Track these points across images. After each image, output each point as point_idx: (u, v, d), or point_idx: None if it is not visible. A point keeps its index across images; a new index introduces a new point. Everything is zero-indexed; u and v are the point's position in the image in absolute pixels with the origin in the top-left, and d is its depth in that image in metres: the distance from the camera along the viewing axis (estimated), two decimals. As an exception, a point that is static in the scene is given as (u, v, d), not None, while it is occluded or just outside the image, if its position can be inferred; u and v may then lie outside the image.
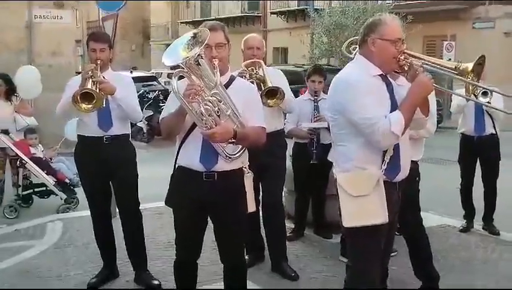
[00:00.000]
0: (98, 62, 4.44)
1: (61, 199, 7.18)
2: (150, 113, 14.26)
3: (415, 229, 4.41)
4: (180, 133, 3.43)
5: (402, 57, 3.11)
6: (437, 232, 6.01)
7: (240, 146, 3.41)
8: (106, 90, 4.37)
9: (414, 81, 3.06)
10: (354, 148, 3.12)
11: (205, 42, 3.06)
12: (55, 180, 7.24)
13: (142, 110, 14.43)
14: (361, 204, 3.07)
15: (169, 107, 3.41)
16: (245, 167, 3.65)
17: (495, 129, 6.07)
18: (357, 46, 3.38)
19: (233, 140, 3.24)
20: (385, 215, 3.06)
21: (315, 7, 23.55)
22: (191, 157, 3.39)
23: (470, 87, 3.20)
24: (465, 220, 6.29)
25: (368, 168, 3.10)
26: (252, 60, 4.79)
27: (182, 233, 3.57)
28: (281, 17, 29.10)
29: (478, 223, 6.32)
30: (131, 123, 4.87)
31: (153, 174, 8.23)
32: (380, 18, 3.16)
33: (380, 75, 3.15)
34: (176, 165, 3.51)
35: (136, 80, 16.91)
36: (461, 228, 6.24)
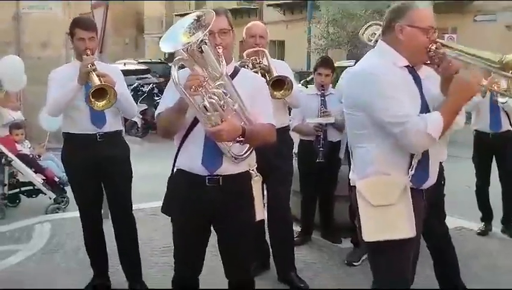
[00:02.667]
0: (88, 52, 4.00)
1: (50, 198, 6.75)
2: (145, 107, 13.91)
3: (441, 239, 4.04)
4: (180, 130, 3.01)
5: (434, 47, 2.71)
6: (453, 236, 5.52)
7: (248, 146, 3.01)
8: (110, 83, 3.94)
9: (457, 81, 2.63)
10: (377, 150, 2.70)
11: (210, 26, 2.64)
12: (43, 178, 6.80)
13: (136, 103, 14.30)
14: (384, 215, 2.66)
15: (167, 100, 2.99)
16: (252, 170, 3.24)
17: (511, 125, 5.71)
18: (378, 32, 2.95)
19: (241, 139, 2.84)
20: (412, 228, 2.66)
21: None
22: (192, 158, 2.98)
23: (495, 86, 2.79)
24: (482, 223, 5.92)
25: (393, 174, 2.69)
26: (254, 49, 4.37)
27: (181, 246, 3.14)
28: (277, 10, 28.68)
29: (496, 226, 5.94)
30: (125, 118, 4.44)
31: (148, 171, 7.87)
32: (411, 2, 2.74)
33: (406, 66, 2.74)
34: (175, 168, 3.09)
35: (130, 72, 16.78)
36: (479, 231, 5.87)
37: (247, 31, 4.50)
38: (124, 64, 18.05)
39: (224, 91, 2.78)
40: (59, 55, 12.11)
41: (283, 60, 27.22)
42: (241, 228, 3.09)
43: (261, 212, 3.33)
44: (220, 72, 2.74)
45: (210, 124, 2.74)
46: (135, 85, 15.20)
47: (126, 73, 18.40)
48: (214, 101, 2.72)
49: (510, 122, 5.70)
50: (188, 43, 2.64)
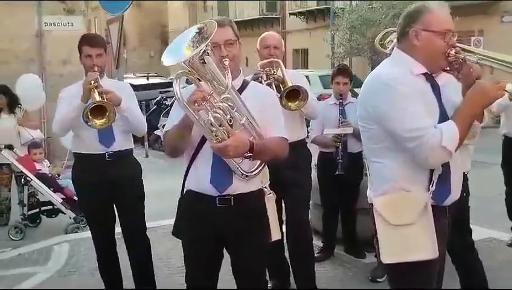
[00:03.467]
0: (95, 69, 3.91)
1: (70, 217, 6.69)
2: (168, 120, 13.84)
3: (467, 255, 3.82)
4: (187, 149, 2.88)
5: (453, 52, 2.51)
6: (482, 248, 5.33)
7: (258, 162, 2.86)
8: (113, 100, 3.83)
9: (473, 86, 2.45)
10: (394, 165, 2.51)
11: (212, 35, 2.51)
12: (63, 197, 6.76)
13: (159, 117, 14.31)
14: (404, 235, 2.47)
15: (174, 117, 2.87)
16: (265, 187, 3.10)
17: None
18: (395, 40, 2.78)
19: (250, 154, 2.68)
20: (435, 248, 2.46)
21: (336, 6, 22.82)
22: (200, 178, 2.85)
23: None
24: (512, 233, 5.66)
25: (412, 190, 2.50)
26: (268, 60, 4.23)
27: (193, 270, 3.01)
28: (300, 18, 28.51)
29: (528, 236, 5.67)
30: (148, 131, 4.32)
31: (170, 187, 7.72)
32: (424, 4, 2.55)
33: (424, 74, 2.55)
34: (185, 189, 2.96)
35: (153, 86, 16.85)
36: (510, 242, 5.61)
37: (261, 41, 4.37)
38: (147, 78, 18.13)
39: (231, 105, 2.65)
40: (80, 71, 12.14)
41: (307, 68, 27.16)
42: (255, 250, 2.94)
43: (277, 232, 3.18)
44: (225, 85, 2.61)
45: (216, 140, 2.60)
46: (158, 98, 15.23)
47: (149, 87, 18.52)
48: (219, 115, 2.59)
49: None
50: (191, 55, 2.51)
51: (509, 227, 5.75)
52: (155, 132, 14.17)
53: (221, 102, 2.61)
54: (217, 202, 2.84)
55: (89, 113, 3.68)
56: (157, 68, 31.10)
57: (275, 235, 3.13)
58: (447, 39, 2.51)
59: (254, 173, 2.86)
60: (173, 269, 5.09)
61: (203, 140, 2.82)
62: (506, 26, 19.24)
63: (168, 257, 5.35)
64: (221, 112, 2.60)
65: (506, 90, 2.52)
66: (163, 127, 13.64)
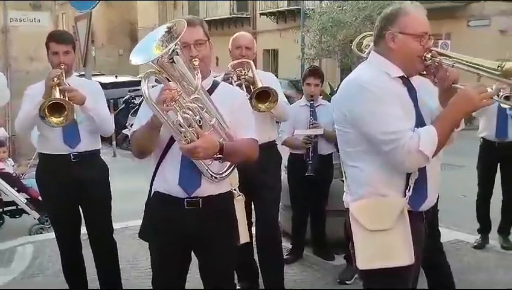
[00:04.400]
0: (62, 67, 3.81)
1: (34, 218, 6.52)
2: (136, 119, 13.65)
3: (435, 256, 3.83)
4: (155, 150, 2.81)
5: (429, 56, 2.49)
6: (449, 250, 5.38)
7: (228, 163, 2.82)
8: (76, 99, 3.73)
9: (458, 93, 2.42)
10: (371, 169, 2.48)
11: (181, 35, 2.46)
12: (27, 197, 6.58)
13: (128, 116, 14.12)
14: (380, 241, 2.44)
15: (141, 118, 2.81)
16: (235, 189, 3.06)
17: None
18: (372, 43, 2.75)
19: (219, 156, 2.64)
20: (411, 255, 2.44)
21: (307, 7, 22.90)
22: (168, 180, 2.79)
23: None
24: (479, 235, 5.74)
25: (389, 195, 2.48)
26: (240, 60, 4.18)
27: (160, 274, 2.94)
28: (270, 18, 28.55)
29: (493, 239, 5.75)
30: (116, 130, 4.23)
31: (138, 187, 7.56)
32: (401, 7, 2.52)
33: (400, 77, 2.53)
34: (152, 191, 2.90)
35: (122, 84, 16.63)
36: (475, 244, 5.68)
37: (233, 42, 4.32)
38: (116, 76, 17.90)
39: (200, 105, 2.60)
40: (47, 68, 11.90)
41: (277, 69, 27.22)
42: (223, 253, 2.89)
43: (245, 235, 3.14)
44: (195, 85, 2.56)
45: (185, 140, 2.56)
46: (127, 97, 15.03)
47: (118, 85, 18.24)
48: (188, 116, 2.54)
49: None
50: (160, 55, 2.46)
51: (475, 229, 5.82)
52: (123, 131, 13.96)
53: (191, 102, 2.56)
54: (185, 204, 2.78)
55: (46, 110, 3.57)
56: (126, 66, 30.82)
57: (244, 238, 3.09)
58: (423, 42, 2.49)
59: (223, 175, 2.81)
60: (141, 271, 5.00)
61: (171, 141, 2.76)
62: (473, 30, 19.64)
63: (136, 259, 5.26)
64: (191, 112, 2.55)
65: (493, 99, 2.51)
66: (131, 126, 13.44)
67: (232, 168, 2.87)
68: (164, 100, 2.51)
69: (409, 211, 2.47)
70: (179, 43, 2.47)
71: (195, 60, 2.67)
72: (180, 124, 2.53)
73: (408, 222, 2.44)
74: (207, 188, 2.78)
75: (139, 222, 6.19)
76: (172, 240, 2.83)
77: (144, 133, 2.73)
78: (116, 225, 5.17)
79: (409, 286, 2.58)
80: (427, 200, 2.57)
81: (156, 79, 2.67)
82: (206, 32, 2.86)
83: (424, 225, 2.63)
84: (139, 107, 12.28)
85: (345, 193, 2.66)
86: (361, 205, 2.51)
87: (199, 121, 2.58)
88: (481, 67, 2.45)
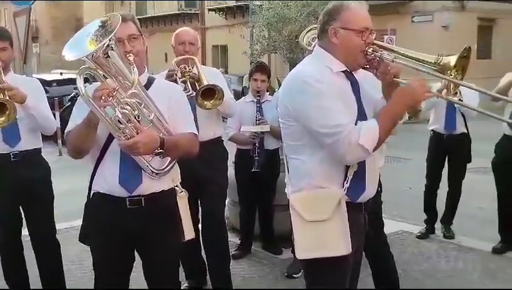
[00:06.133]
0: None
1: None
2: (82, 117, 13.35)
3: (379, 248, 3.91)
4: (93, 150, 2.76)
5: (370, 50, 2.54)
6: (394, 240, 5.53)
7: (168, 159, 2.79)
8: (17, 98, 3.61)
9: (401, 87, 2.48)
10: (312, 162, 2.52)
11: (116, 29, 2.42)
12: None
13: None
14: (318, 231, 2.49)
15: (76, 117, 2.74)
16: (177, 186, 3.03)
17: (467, 128, 5.70)
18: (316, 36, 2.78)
19: (160, 150, 2.62)
20: (348, 245, 2.49)
21: (255, 3, 22.93)
22: (108, 179, 2.74)
23: (451, 86, 2.65)
24: (425, 225, 5.89)
25: (328, 187, 2.52)
26: (183, 57, 4.13)
27: (103, 275, 2.89)
28: (219, 14, 28.47)
29: (436, 228, 5.91)
30: (62, 129, 4.12)
31: (85, 186, 7.43)
32: (343, 2, 2.56)
33: (343, 71, 2.57)
34: (92, 192, 2.84)
35: (67, 82, 16.24)
36: (419, 233, 5.83)
37: (175, 38, 4.26)
38: (61, 73, 17.47)
39: (138, 101, 2.57)
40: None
41: (226, 65, 27.08)
42: (167, 250, 2.87)
43: (190, 231, 3.10)
44: (131, 80, 2.53)
45: (124, 136, 2.52)
46: (72, 95, 14.68)
47: (63, 82, 17.74)
48: (127, 111, 2.51)
49: (465, 124, 5.68)
50: (95, 50, 2.41)
51: (419, 220, 5.97)
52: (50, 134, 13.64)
53: (128, 98, 2.53)
54: (127, 203, 2.74)
55: None
56: (73, 63, 30.13)
57: (189, 234, 3.07)
58: (365, 37, 2.53)
59: (165, 170, 2.78)
60: (86, 271, 4.90)
61: (109, 139, 2.71)
62: (417, 25, 20.11)
63: (81, 259, 5.15)
64: (129, 107, 2.52)
65: (432, 92, 2.56)
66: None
67: (172, 163, 2.84)
68: (101, 96, 2.46)
69: (347, 202, 2.51)
70: (113, 38, 2.44)
71: (130, 56, 2.63)
72: (118, 120, 2.50)
73: (345, 213, 2.49)
74: (149, 186, 2.75)
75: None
76: (115, 240, 2.79)
77: (80, 132, 2.67)
78: (60, 225, 5.06)
79: (347, 275, 2.63)
80: (366, 192, 2.62)
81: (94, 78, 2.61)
82: (139, 28, 2.84)
83: (364, 215, 2.68)
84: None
85: (286, 185, 2.71)
86: (301, 196, 2.55)
87: (138, 116, 2.56)
88: (420, 62, 2.50)
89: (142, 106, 2.59)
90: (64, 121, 13.70)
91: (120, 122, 2.50)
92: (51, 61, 30.90)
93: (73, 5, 37.53)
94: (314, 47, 2.89)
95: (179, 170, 3.02)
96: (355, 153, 2.41)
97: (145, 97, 2.63)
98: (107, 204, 2.77)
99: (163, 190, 2.82)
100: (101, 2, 36.02)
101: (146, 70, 2.91)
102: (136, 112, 2.54)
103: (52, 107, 13.02)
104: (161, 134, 2.66)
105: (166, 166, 2.80)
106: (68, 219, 5.77)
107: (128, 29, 2.73)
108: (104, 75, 2.53)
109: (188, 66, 4.11)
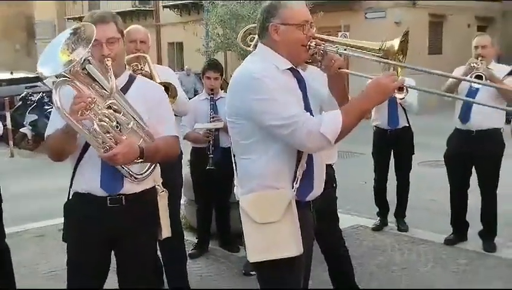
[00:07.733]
0: None
1: None
2: (35, 117, 13.03)
3: (334, 243, 3.95)
4: (73, 152, 2.72)
5: (313, 44, 2.53)
6: (350, 235, 5.61)
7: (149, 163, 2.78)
8: None
9: (372, 81, 2.45)
10: (262, 161, 2.49)
11: (92, 41, 2.38)
12: None
13: (25, 114, 13.48)
14: (269, 233, 2.47)
15: (56, 121, 2.67)
16: (158, 185, 3.04)
17: (408, 122, 5.80)
18: (256, 35, 2.77)
19: (140, 160, 2.61)
20: (299, 245, 2.49)
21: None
22: (89, 182, 2.71)
23: (399, 70, 2.66)
24: (378, 218, 5.99)
25: (279, 188, 2.50)
26: (135, 55, 4.07)
27: (77, 276, 2.81)
28: (174, 11, 28.22)
29: (390, 222, 6.01)
30: (13, 129, 4.00)
31: (38, 188, 7.27)
32: (280, 1, 2.55)
33: (289, 68, 2.56)
34: (72, 192, 2.80)
35: (18, 81, 15.84)
36: (374, 226, 5.93)
37: (126, 36, 4.13)
38: (11, 72, 17.02)
39: (116, 108, 2.54)
40: None
41: (182, 62, 26.76)
42: (144, 250, 2.88)
43: (167, 230, 3.09)
44: (110, 88, 2.49)
45: (103, 148, 2.50)
46: (24, 94, 14.33)
47: (14, 82, 17.27)
48: (105, 123, 2.49)
49: (407, 118, 5.77)
50: (70, 62, 2.36)
51: (374, 213, 6.05)
52: (21, 130, 13.33)
53: (106, 109, 2.50)
54: (108, 202, 2.72)
55: None
56: (24, 62, 29.48)
57: (165, 233, 3.07)
58: (306, 31, 2.52)
59: (145, 175, 2.77)
60: (41, 275, 4.81)
61: (88, 143, 2.66)
62: (370, 22, 20.37)
63: (35, 262, 5.04)
64: (107, 119, 2.51)
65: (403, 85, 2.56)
66: (29, 125, 12.92)
67: (153, 167, 2.83)
68: (78, 110, 2.42)
69: (297, 201, 2.51)
70: (89, 51, 2.40)
71: (108, 60, 2.58)
72: (96, 132, 2.48)
73: (296, 214, 2.48)
74: (130, 188, 2.75)
75: (39, 224, 5.95)
76: (93, 240, 2.75)
77: (60, 138, 2.64)
78: (13, 229, 4.94)
79: (300, 275, 2.63)
80: (313, 191, 2.63)
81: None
82: (120, 29, 2.75)
83: (312, 212, 2.69)
84: (37, 104, 11.81)
85: (235, 187, 2.68)
86: (252, 198, 2.53)
87: (116, 125, 2.54)
88: (364, 50, 2.52)
89: (121, 114, 2.56)
90: (15, 122, 13.38)
91: (98, 134, 2.48)
92: (1, 60, 30.10)
93: (22, 3, 36.54)
94: (254, 47, 2.89)
95: (159, 170, 3.00)
96: (316, 141, 2.37)
97: (123, 104, 2.60)
98: (87, 203, 2.73)
99: (144, 189, 2.82)
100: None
101: (126, 69, 2.86)
102: (115, 123, 2.52)
103: (2, 108, 12.84)
104: (141, 140, 2.65)
105: (147, 170, 2.80)
106: (21, 222, 5.63)
107: (107, 32, 2.65)
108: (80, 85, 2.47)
109: (140, 64, 4.06)
